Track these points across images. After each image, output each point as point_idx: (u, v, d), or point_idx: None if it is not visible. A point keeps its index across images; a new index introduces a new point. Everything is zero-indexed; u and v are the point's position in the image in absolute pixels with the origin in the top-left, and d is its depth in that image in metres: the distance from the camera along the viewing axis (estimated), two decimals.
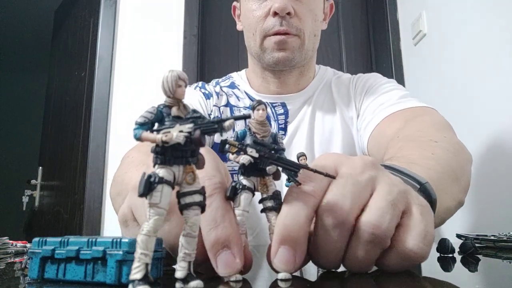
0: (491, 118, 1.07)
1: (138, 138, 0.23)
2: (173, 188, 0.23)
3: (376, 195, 0.29)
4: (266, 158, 0.27)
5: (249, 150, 0.27)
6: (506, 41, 1.03)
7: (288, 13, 0.76)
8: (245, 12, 0.86)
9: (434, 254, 0.37)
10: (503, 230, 0.54)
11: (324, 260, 0.30)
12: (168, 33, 1.82)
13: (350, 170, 0.30)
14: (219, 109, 0.87)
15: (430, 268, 0.34)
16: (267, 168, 0.28)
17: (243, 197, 0.28)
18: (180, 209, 0.24)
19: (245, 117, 0.27)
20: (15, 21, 3.46)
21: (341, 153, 0.34)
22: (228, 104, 0.88)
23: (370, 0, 2.00)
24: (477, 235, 0.53)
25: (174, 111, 0.24)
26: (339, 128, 0.85)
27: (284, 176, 0.29)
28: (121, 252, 0.25)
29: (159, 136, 0.23)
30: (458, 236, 0.53)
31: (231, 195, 0.28)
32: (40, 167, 2.29)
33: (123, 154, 0.77)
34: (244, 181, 0.28)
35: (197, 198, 0.24)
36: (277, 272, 0.27)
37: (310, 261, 0.30)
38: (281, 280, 0.27)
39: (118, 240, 0.26)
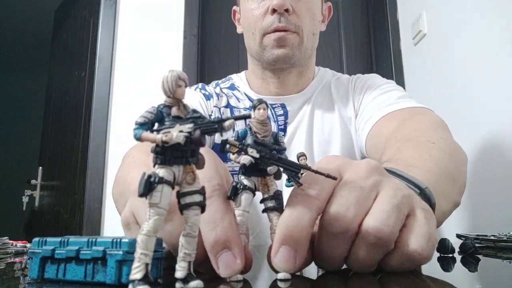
0: (491, 118, 1.07)
1: (138, 138, 0.23)
2: (173, 188, 0.23)
3: (380, 199, 0.29)
4: (267, 159, 0.27)
5: (249, 150, 0.27)
6: (506, 41, 1.03)
7: (287, 10, 0.77)
8: (244, 13, 0.86)
9: (434, 254, 0.37)
10: (503, 230, 0.54)
11: (327, 263, 0.30)
12: (168, 33, 1.82)
13: (355, 176, 0.30)
14: (220, 110, 0.87)
15: (430, 268, 0.34)
16: (268, 168, 0.28)
17: (244, 197, 0.28)
18: (180, 209, 0.24)
19: (245, 117, 0.27)
20: (15, 21, 3.46)
21: (345, 157, 0.34)
22: (228, 105, 0.88)
23: (370, 0, 2.00)
24: (477, 235, 0.53)
25: (174, 111, 0.24)
26: (338, 128, 0.85)
27: (284, 176, 0.29)
28: (121, 252, 0.25)
29: (159, 136, 0.23)
30: (458, 236, 0.53)
31: (232, 195, 0.28)
32: (40, 167, 2.29)
33: (123, 154, 0.77)
34: (245, 181, 0.28)
35: (197, 198, 0.24)
36: (276, 272, 0.27)
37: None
38: (281, 280, 0.27)
39: (118, 240, 0.26)
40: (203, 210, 0.24)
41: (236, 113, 0.87)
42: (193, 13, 1.84)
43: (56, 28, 2.48)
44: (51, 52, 2.56)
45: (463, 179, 0.56)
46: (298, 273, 0.30)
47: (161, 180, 0.23)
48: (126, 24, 1.85)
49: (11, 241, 0.59)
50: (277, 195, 0.29)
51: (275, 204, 0.29)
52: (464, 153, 0.61)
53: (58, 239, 0.28)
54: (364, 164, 0.31)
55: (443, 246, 0.42)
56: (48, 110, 2.46)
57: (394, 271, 0.29)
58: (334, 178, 0.28)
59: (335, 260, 0.29)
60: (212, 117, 0.86)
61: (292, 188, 0.29)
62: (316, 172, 0.28)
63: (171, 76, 0.23)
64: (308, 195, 0.28)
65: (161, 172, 0.23)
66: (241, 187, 0.28)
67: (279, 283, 0.26)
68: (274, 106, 0.86)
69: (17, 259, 0.50)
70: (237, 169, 0.31)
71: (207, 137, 0.24)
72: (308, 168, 0.28)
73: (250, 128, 0.29)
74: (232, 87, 0.92)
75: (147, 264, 0.22)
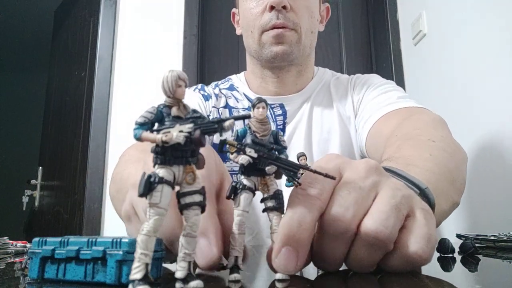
0: (491, 118, 1.07)
1: (138, 138, 0.23)
2: (173, 188, 0.23)
3: (379, 199, 0.29)
4: (265, 158, 0.27)
5: (247, 150, 0.27)
6: (506, 41, 1.03)
7: (284, 7, 0.78)
8: (243, 13, 0.86)
9: (434, 254, 0.37)
10: (503, 230, 0.54)
11: (326, 263, 0.30)
12: (168, 33, 1.82)
13: (354, 176, 0.30)
14: (218, 110, 0.87)
15: (430, 268, 0.34)
16: (266, 168, 0.28)
17: (243, 197, 0.28)
18: (180, 209, 0.24)
19: (244, 117, 0.27)
20: (15, 21, 3.46)
21: (344, 156, 0.34)
22: (227, 106, 0.88)
23: (370, 0, 2.00)
24: (477, 235, 0.53)
25: (174, 111, 0.24)
26: (337, 128, 0.85)
27: (285, 176, 0.29)
28: (121, 252, 0.25)
29: (159, 136, 0.23)
30: (458, 236, 0.53)
31: (231, 195, 0.28)
32: (40, 167, 2.30)
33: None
34: (244, 180, 0.28)
35: (197, 198, 0.24)
36: (275, 272, 0.27)
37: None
38: (279, 280, 0.27)
39: (118, 240, 0.26)
40: (203, 210, 0.24)
41: (235, 114, 0.87)
42: (193, 13, 1.84)
43: (56, 28, 2.48)
44: (51, 52, 2.56)
45: (463, 179, 0.56)
46: (298, 274, 0.30)
47: (161, 180, 0.23)
48: (126, 24, 1.85)
49: (11, 241, 0.59)
50: (277, 195, 0.29)
51: (275, 204, 0.29)
52: (464, 152, 0.61)
53: (58, 239, 0.28)
54: (363, 164, 0.31)
55: (443, 246, 0.42)
56: (48, 110, 2.46)
57: (394, 271, 0.29)
58: (333, 178, 0.28)
59: (334, 261, 0.29)
60: (211, 117, 0.86)
61: (292, 188, 0.29)
62: (315, 171, 0.28)
63: (171, 76, 0.23)
64: (310, 195, 0.28)
65: (161, 172, 0.23)
66: (241, 186, 0.28)
67: (277, 284, 0.26)
68: (272, 106, 0.86)
69: (17, 259, 0.50)
70: (236, 169, 0.31)
71: (206, 137, 0.24)
72: (307, 168, 0.28)
73: (249, 127, 0.29)
74: (231, 88, 0.93)
75: (147, 264, 0.22)
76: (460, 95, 1.25)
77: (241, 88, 0.92)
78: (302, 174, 0.30)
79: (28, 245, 0.61)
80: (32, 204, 2.30)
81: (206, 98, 0.88)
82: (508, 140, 1.00)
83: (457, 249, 0.44)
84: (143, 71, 1.77)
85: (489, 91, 1.09)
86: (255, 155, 0.27)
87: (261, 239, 0.79)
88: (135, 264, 0.21)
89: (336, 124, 0.85)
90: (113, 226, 1.60)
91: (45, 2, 3.07)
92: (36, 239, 0.29)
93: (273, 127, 0.85)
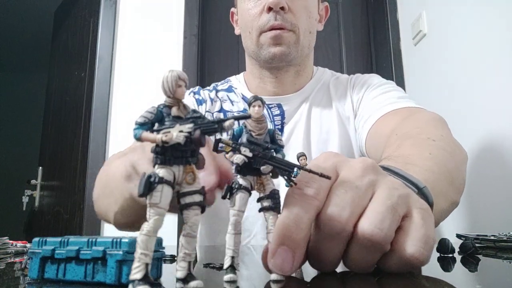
0: (491, 118, 1.07)
1: (138, 138, 0.23)
2: (173, 188, 0.23)
3: (375, 199, 0.28)
4: (260, 158, 0.27)
5: (242, 149, 0.27)
6: (506, 41, 1.03)
7: (282, 8, 0.78)
8: (241, 13, 0.86)
9: (434, 254, 0.37)
10: (503, 230, 0.54)
11: (322, 264, 0.30)
12: (168, 33, 1.82)
13: (350, 175, 0.29)
14: (213, 115, 0.88)
15: (430, 268, 0.34)
16: (262, 167, 0.27)
17: (239, 196, 0.28)
18: (180, 209, 0.24)
19: (245, 117, 0.27)
20: (15, 21, 3.46)
21: (341, 154, 0.33)
22: (221, 110, 0.89)
23: (370, 0, 2.00)
24: (477, 235, 0.53)
25: (174, 111, 0.24)
26: (336, 128, 0.85)
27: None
28: (121, 252, 0.25)
29: (159, 136, 0.23)
30: (458, 236, 0.53)
31: (227, 194, 0.28)
32: (40, 167, 2.29)
33: None
34: (240, 180, 0.28)
35: (197, 198, 0.24)
36: (270, 272, 0.27)
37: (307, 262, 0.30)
38: (274, 281, 0.27)
39: (118, 240, 0.26)
40: (203, 210, 0.24)
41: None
42: (193, 13, 1.84)
43: (56, 28, 2.48)
44: (51, 52, 2.56)
45: (463, 179, 0.56)
46: (298, 276, 0.30)
47: (161, 180, 0.23)
48: (126, 24, 1.85)
49: (11, 241, 0.59)
50: (273, 194, 0.28)
51: (271, 204, 0.28)
52: (464, 152, 0.61)
53: (58, 239, 0.28)
54: (360, 163, 0.31)
55: (443, 246, 0.42)
56: (48, 110, 2.46)
57: (392, 272, 0.29)
58: (328, 177, 0.27)
59: (330, 261, 0.29)
60: None
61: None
62: (310, 171, 0.27)
63: (171, 76, 0.23)
64: (306, 195, 0.27)
65: (161, 172, 0.23)
66: (236, 186, 0.28)
67: (272, 285, 0.26)
68: (270, 106, 0.86)
69: (17, 259, 0.50)
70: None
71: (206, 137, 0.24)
72: (302, 167, 0.28)
73: (245, 126, 0.28)
74: (229, 89, 0.93)
75: (147, 264, 0.22)
76: (460, 95, 1.25)
77: (239, 89, 0.92)
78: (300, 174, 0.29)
79: (28, 245, 0.61)
80: (32, 204, 2.29)
81: (200, 102, 0.89)
82: (508, 140, 1.00)
83: (457, 249, 0.44)
84: (143, 71, 1.77)
85: (489, 91, 1.09)
86: (250, 155, 0.26)
87: (260, 240, 0.79)
88: (135, 264, 0.21)
89: (335, 124, 0.85)
90: (113, 227, 1.60)
91: (45, 3, 3.07)
92: (36, 239, 0.29)
93: (271, 127, 0.85)
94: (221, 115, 0.88)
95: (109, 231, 1.63)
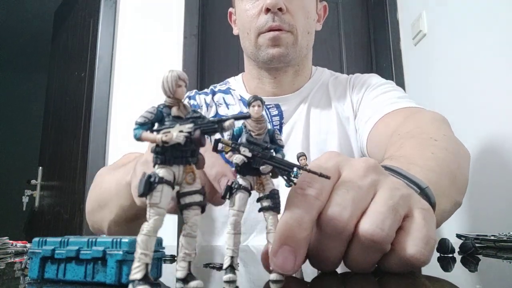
0: (491, 118, 1.07)
1: (138, 138, 0.23)
2: (173, 188, 0.23)
3: (377, 200, 0.28)
4: (259, 158, 0.27)
5: (242, 149, 0.26)
6: (506, 41, 1.03)
7: (280, 9, 0.78)
8: (239, 14, 0.86)
9: (434, 254, 0.37)
10: (503, 230, 0.54)
11: (323, 264, 0.30)
12: (168, 33, 1.82)
13: (352, 174, 0.29)
14: None
15: (430, 268, 0.34)
16: (261, 167, 0.27)
17: (238, 196, 0.27)
18: (180, 209, 0.24)
19: (245, 117, 0.27)
20: (15, 21, 3.46)
21: (343, 154, 0.33)
22: (217, 115, 0.89)
23: (370, 0, 2.00)
24: (477, 235, 0.53)
25: (174, 111, 0.24)
26: (335, 128, 0.85)
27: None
28: (121, 252, 0.25)
29: (159, 136, 0.23)
30: (458, 236, 0.53)
31: (226, 194, 0.28)
32: (40, 167, 2.29)
33: (123, 154, 0.77)
34: (240, 180, 0.28)
35: (197, 198, 0.24)
36: (270, 272, 0.27)
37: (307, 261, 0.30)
38: (273, 281, 0.27)
39: (118, 240, 0.26)
40: (203, 210, 0.24)
41: None
42: (193, 13, 1.84)
43: (56, 28, 2.48)
44: (51, 52, 2.56)
45: (465, 179, 0.56)
46: (294, 274, 0.30)
47: (161, 180, 0.23)
48: (126, 24, 1.85)
49: (11, 241, 0.59)
50: (273, 194, 0.28)
51: (271, 204, 0.28)
52: (467, 151, 0.60)
53: (58, 239, 0.28)
54: (362, 162, 0.31)
55: (443, 246, 0.42)
56: (48, 110, 2.46)
57: (393, 272, 0.29)
58: (327, 177, 0.27)
59: (330, 261, 0.29)
60: None
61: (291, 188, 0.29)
62: (309, 171, 0.27)
63: (171, 76, 0.23)
64: (309, 195, 0.27)
65: (161, 172, 0.23)
66: (236, 186, 0.28)
67: (272, 285, 0.26)
68: (268, 106, 0.86)
69: (17, 259, 0.50)
70: None
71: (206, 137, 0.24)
72: (302, 167, 0.28)
73: (245, 126, 0.28)
74: (227, 91, 0.93)
75: (147, 264, 0.22)
76: (460, 95, 1.25)
77: (238, 91, 0.92)
78: (302, 174, 0.29)
79: (28, 245, 0.61)
80: (32, 204, 2.29)
81: (195, 107, 0.89)
82: (508, 140, 1.00)
83: (457, 249, 0.44)
84: (143, 71, 1.77)
85: (489, 91, 1.09)
86: (250, 155, 0.26)
87: (259, 241, 0.79)
88: (135, 264, 0.21)
89: (334, 124, 0.85)
90: None
91: (45, 3, 3.07)
92: (36, 239, 0.29)
93: (269, 127, 0.85)
94: None
95: None
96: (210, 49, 1.90)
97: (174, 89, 0.23)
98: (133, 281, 0.21)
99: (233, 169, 0.29)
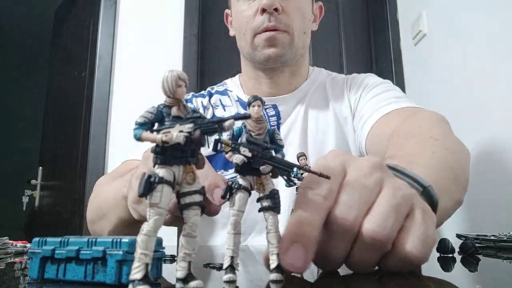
0: (491, 118, 1.07)
1: (138, 138, 0.23)
2: (173, 188, 0.23)
3: (380, 199, 0.29)
4: (259, 158, 0.27)
5: (242, 149, 0.26)
6: (506, 41, 1.03)
7: (276, 9, 0.78)
8: (235, 15, 0.87)
9: (434, 254, 0.37)
10: (503, 230, 0.54)
11: (327, 264, 0.30)
12: (168, 33, 1.82)
13: (357, 173, 0.30)
14: None
15: (430, 268, 0.34)
16: (261, 167, 0.27)
17: (238, 196, 0.27)
18: (180, 209, 0.24)
19: (245, 117, 0.27)
20: (15, 21, 3.46)
21: (349, 152, 0.34)
22: (213, 117, 0.88)
23: (370, 0, 2.00)
24: (477, 235, 0.53)
25: (174, 111, 0.24)
26: (332, 128, 0.85)
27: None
28: (121, 252, 0.25)
29: (159, 136, 0.23)
30: (458, 236, 0.53)
31: (226, 194, 0.28)
32: (40, 167, 2.29)
33: (123, 154, 0.77)
34: (240, 180, 0.28)
35: (197, 198, 0.24)
36: (270, 271, 0.27)
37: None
38: (273, 281, 0.27)
39: (118, 240, 0.26)
40: (203, 210, 0.24)
41: None
42: (193, 13, 1.84)
43: (56, 28, 2.48)
44: (51, 52, 2.56)
45: (466, 177, 0.56)
46: (298, 275, 0.30)
47: (161, 180, 0.23)
48: (126, 24, 1.85)
49: (11, 241, 0.59)
50: (273, 194, 0.28)
51: (271, 204, 0.28)
52: (467, 150, 0.61)
53: (58, 239, 0.28)
54: (367, 161, 0.31)
55: (443, 246, 0.42)
56: (48, 110, 2.46)
57: (392, 271, 0.29)
58: (327, 177, 0.28)
59: (335, 260, 0.29)
60: None
61: (291, 187, 0.29)
62: (309, 171, 0.28)
63: (171, 76, 0.23)
64: (318, 195, 0.28)
65: (161, 172, 0.23)
66: (236, 186, 0.28)
67: (272, 285, 0.26)
68: (265, 107, 0.86)
69: (17, 259, 0.50)
70: (228, 176, 0.32)
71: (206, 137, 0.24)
72: (302, 167, 0.28)
73: (245, 126, 0.28)
74: (224, 92, 0.93)
75: (147, 264, 0.22)
76: (460, 95, 1.25)
77: (235, 92, 0.92)
78: (302, 174, 0.29)
79: (28, 245, 0.60)
80: (32, 204, 2.29)
81: None
82: (508, 140, 1.00)
83: (457, 249, 0.44)
84: (143, 71, 1.77)
85: (489, 91, 1.09)
86: (250, 155, 0.26)
87: (259, 241, 0.79)
88: (135, 264, 0.21)
89: (332, 125, 0.85)
90: None
91: (45, 2, 3.07)
92: (36, 239, 0.29)
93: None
94: None
95: None
96: (210, 49, 1.90)
97: (174, 89, 0.23)
98: (133, 281, 0.21)
99: (226, 177, 0.30)
